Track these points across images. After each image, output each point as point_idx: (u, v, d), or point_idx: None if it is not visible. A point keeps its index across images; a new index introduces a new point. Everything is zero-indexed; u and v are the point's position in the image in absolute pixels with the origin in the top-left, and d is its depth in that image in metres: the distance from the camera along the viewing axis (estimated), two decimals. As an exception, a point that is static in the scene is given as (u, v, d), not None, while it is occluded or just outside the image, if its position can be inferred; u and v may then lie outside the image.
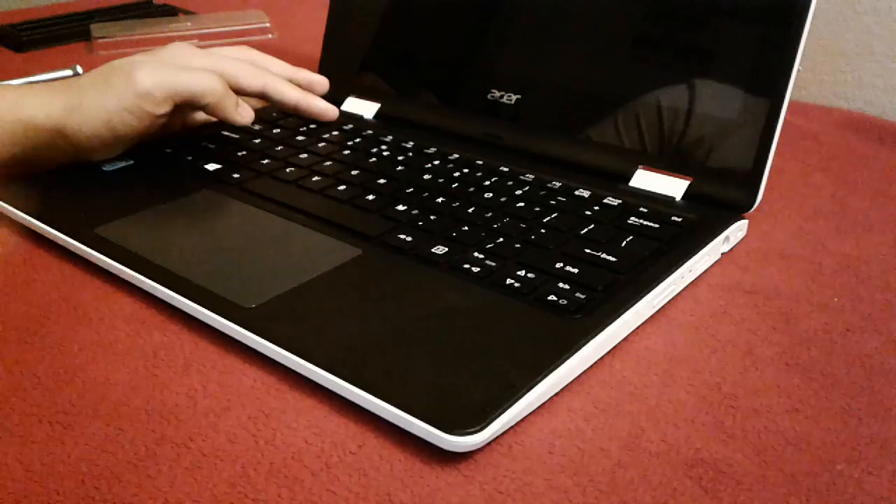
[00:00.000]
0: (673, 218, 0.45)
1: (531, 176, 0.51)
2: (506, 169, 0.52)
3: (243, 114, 0.53)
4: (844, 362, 0.36)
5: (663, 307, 0.40)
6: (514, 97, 0.57)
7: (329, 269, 0.40)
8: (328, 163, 0.53)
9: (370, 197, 0.48)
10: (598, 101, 0.53)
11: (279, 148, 0.56)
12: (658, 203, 0.47)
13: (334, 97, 0.64)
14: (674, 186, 0.49)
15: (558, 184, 0.50)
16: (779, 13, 0.46)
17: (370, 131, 0.59)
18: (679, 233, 0.44)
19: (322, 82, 0.61)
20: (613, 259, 0.41)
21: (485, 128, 0.57)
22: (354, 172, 0.52)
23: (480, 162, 0.53)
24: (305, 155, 0.55)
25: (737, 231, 0.46)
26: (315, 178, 0.51)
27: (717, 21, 0.49)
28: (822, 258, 0.45)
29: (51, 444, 0.31)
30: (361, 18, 0.66)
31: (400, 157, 0.54)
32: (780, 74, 0.46)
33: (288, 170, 0.52)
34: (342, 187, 0.50)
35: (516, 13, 0.57)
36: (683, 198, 0.49)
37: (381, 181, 0.50)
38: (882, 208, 0.51)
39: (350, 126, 0.60)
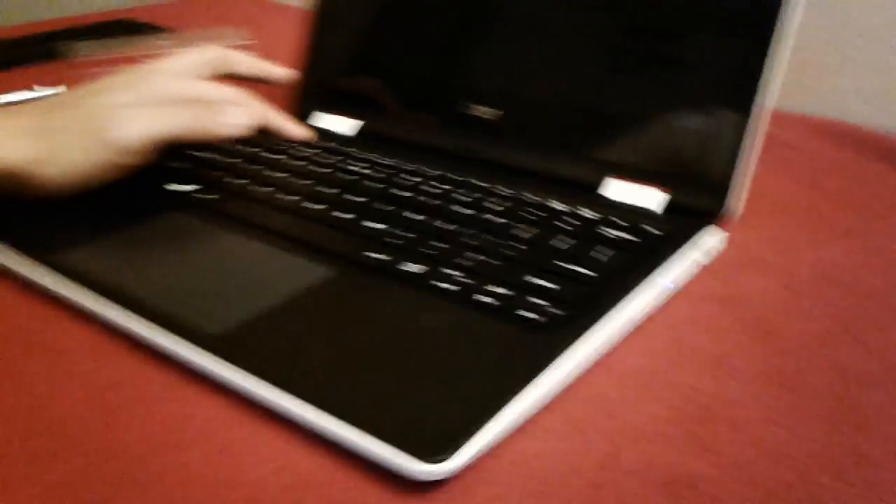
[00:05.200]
0: (648, 229, 0.45)
1: (508, 191, 0.51)
2: (483, 184, 0.52)
3: (228, 123, 0.50)
4: (823, 372, 0.36)
5: (640, 320, 0.39)
6: (490, 111, 0.56)
7: (299, 291, 0.40)
8: (303, 181, 0.53)
9: (344, 215, 0.48)
10: (574, 113, 0.53)
11: (252, 166, 0.56)
12: (634, 215, 0.47)
13: (313, 114, 0.64)
14: (650, 197, 0.49)
15: (534, 198, 0.49)
16: (749, 24, 0.46)
17: (349, 148, 0.59)
18: (654, 245, 0.44)
19: (284, 73, 0.61)
20: (588, 273, 0.40)
21: (462, 143, 0.57)
22: (329, 191, 0.51)
23: (458, 178, 0.53)
24: (279, 173, 0.54)
25: (715, 242, 0.46)
26: (288, 197, 0.50)
27: (691, 33, 0.48)
28: (798, 267, 0.44)
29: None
30: (340, 35, 0.65)
31: (378, 175, 0.54)
32: (750, 84, 0.46)
33: (259, 188, 0.52)
34: (315, 206, 0.49)
35: (492, 27, 0.57)
36: (660, 209, 0.48)
37: (357, 199, 0.50)
38: (860, 217, 0.51)
39: (329, 144, 0.60)
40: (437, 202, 0.49)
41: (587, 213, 0.47)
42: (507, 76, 0.56)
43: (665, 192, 0.49)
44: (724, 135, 0.47)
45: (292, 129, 0.59)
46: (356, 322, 0.38)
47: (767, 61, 0.45)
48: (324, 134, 0.62)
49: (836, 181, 0.55)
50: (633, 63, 0.51)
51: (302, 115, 0.64)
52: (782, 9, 0.45)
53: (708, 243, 0.45)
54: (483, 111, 0.57)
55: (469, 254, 0.43)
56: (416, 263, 0.42)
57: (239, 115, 0.50)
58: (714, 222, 0.47)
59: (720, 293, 0.42)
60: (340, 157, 0.57)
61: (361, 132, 0.62)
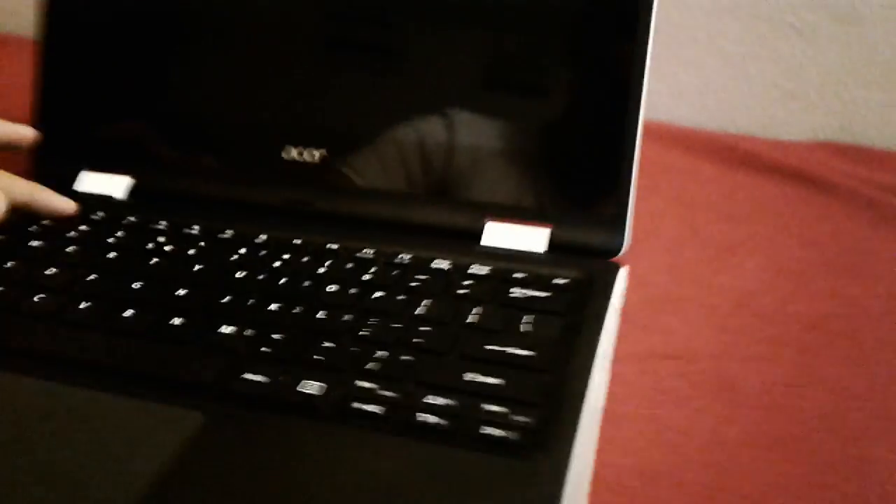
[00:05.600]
0: (556, 280, 0.39)
1: (369, 251, 0.42)
2: (334, 246, 0.42)
3: None
4: (801, 424, 0.32)
5: (604, 403, 0.33)
6: (316, 153, 0.46)
7: (159, 462, 0.28)
8: (92, 276, 0.39)
9: (177, 321, 0.35)
10: (421, 147, 0.45)
11: (8, 264, 0.40)
12: (526, 262, 0.41)
13: (63, 175, 0.49)
14: (533, 238, 0.43)
15: (407, 256, 0.41)
16: (618, 31, 0.42)
17: (131, 217, 0.45)
18: (573, 298, 0.38)
19: (29, 133, 0.46)
20: (528, 353, 0.33)
21: (287, 194, 0.46)
22: (136, 285, 0.38)
23: (298, 241, 0.43)
24: (53, 269, 0.39)
25: (622, 282, 0.41)
26: (82, 305, 0.36)
27: (553, 55, 0.43)
28: (710, 298, 0.41)
29: None
30: (91, 62, 0.50)
31: (190, 252, 0.41)
32: (631, 98, 0.41)
33: (35, 298, 0.37)
34: (129, 313, 0.36)
35: (302, 48, 0.46)
36: (547, 249, 0.42)
37: (181, 292, 0.37)
38: (735, 228, 0.49)
39: (100, 214, 0.46)
40: (298, 280, 0.38)
41: (482, 269, 0.40)
42: (337, 113, 0.46)
43: (551, 228, 0.43)
44: (610, 159, 0.42)
45: (60, 202, 0.44)
46: (257, 492, 0.27)
47: (642, 72, 0.41)
48: (89, 200, 0.47)
49: (692, 187, 0.54)
50: (491, 90, 0.44)
51: (61, 179, 0.48)
52: (643, 19, 0.41)
53: (619, 286, 0.40)
54: (300, 153, 0.46)
55: (376, 352, 0.33)
56: (312, 381, 0.31)
57: None
58: (607, 256, 0.42)
59: (656, 345, 0.37)
60: (129, 230, 0.43)
61: (137, 192, 0.48)
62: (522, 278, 0.39)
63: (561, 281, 0.39)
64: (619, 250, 0.42)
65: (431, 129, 0.45)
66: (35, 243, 0.42)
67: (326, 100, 0.46)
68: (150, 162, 0.49)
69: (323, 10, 0.46)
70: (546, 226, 0.43)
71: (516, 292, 0.38)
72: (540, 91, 0.43)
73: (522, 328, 0.35)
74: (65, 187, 0.48)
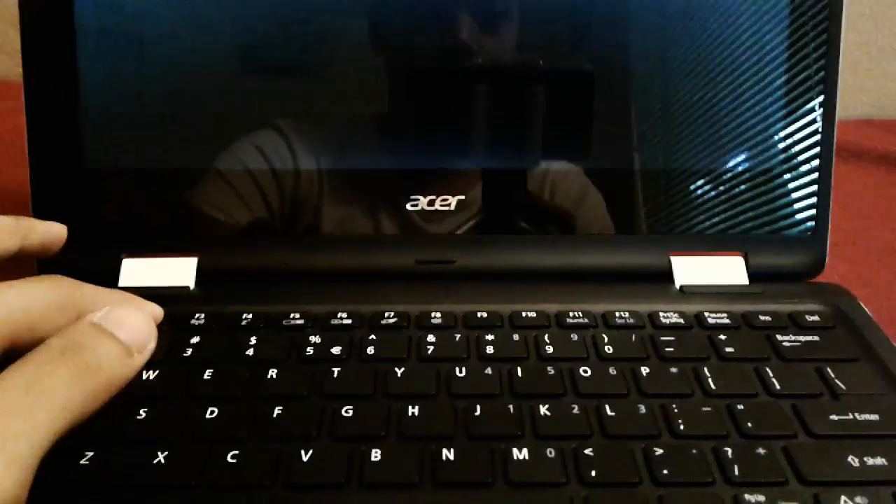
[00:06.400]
0: (810, 318, 0.34)
1: (579, 314, 0.34)
2: (532, 314, 0.34)
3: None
4: None
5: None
6: (451, 199, 0.38)
7: None
8: (278, 409, 0.28)
9: (449, 454, 0.26)
10: (598, 178, 0.38)
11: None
12: (748, 300, 0.36)
13: (101, 266, 0.36)
14: (731, 269, 0.38)
15: (625, 314, 0.34)
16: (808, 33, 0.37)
17: (244, 314, 0.34)
18: (842, 336, 0.33)
19: (60, 231, 0.33)
20: (874, 418, 0.29)
21: (417, 253, 0.38)
22: (348, 411, 0.28)
23: (479, 312, 0.34)
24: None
25: (853, 310, 0.37)
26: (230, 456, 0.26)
27: (739, 71, 0.38)
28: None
29: None
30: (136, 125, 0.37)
31: (333, 350, 0.32)
32: (820, 109, 0.38)
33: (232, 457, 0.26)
34: (376, 455, 0.26)
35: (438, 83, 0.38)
36: (749, 280, 0.38)
37: (413, 411, 0.28)
38: None
39: (200, 317, 0.34)
40: (525, 365, 0.31)
41: (718, 318, 0.34)
42: (473, 153, 0.38)
43: (739, 256, 0.38)
44: (806, 173, 0.38)
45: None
46: None
47: (835, 81, 0.38)
48: (151, 296, 0.35)
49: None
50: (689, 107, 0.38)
51: (105, 270, 0.36)
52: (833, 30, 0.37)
53: (860, 316, 0.36)
54: (444, 202, 0.38)
55: (721, 447, 0.27)
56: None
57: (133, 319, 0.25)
58: (808, 277, 0.39)
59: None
60: (256, 336, 0.33)
61: (204, 273, 0.37)
62: (774, 322, 0.34)
63: (815, 318, 0.34)
64: (820, 270, 0.38)
65: (581, 156, 0.38)
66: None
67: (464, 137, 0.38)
68: (217, 234, 0.38)
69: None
70: (736, 254, 0.38)
71: (785, 341, 0.33)
72: (727, 108, 0.38)
73: (835, 386, 0.30)
74: (109, 282, 0.35)
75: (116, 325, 0.25)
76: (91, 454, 0.26)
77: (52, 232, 0.32)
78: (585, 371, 0.31)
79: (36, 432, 0.20)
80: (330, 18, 0.36)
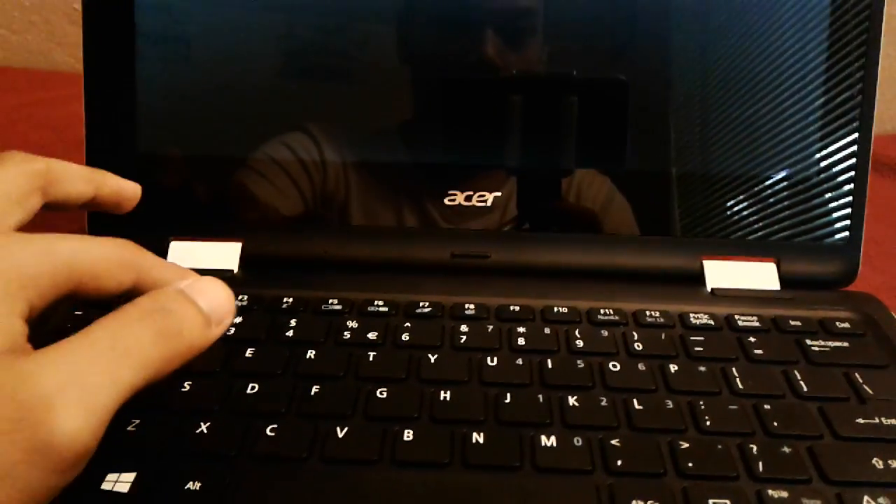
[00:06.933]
0: (840, 324, 0.35)
1: (610, 311, 0.35)
2: (563, 310, 0.35)
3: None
4: None
5: None
6: (488, 196, 0.39)
7: None
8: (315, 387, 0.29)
9: (479, 437, 0.27)
10: (635, 181, 0.39)
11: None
12: (779, 304, 0.36)
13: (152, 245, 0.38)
14: (763, 274, 0.38)
15: (656, 313, 0.35)
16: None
17: (284, 297, 0.35)
18: (872, 343, 0.34)
19: (134, 189, 0.34)
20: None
21: (453, 247, 0.39)
22: (381, 393, 0.29)
23: (509, 305, 0.35)
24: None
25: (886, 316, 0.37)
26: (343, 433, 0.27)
27: (778, 75, 0.38)
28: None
29: None
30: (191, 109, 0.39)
31: (369, 335, 0.33)
32: (856, 114, 0.38)
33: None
34: (408, 436, 0.27)
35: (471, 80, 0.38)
36: (781, 286, 0.38)
37: (445, 395, 0.29)
38: None
39: (237, 297, 0.35)
40: (555, 356, 0.31)
41: (748, 321, 0.35)
42: (511, 147, 0.39)
43: (771, 262, 0.38)
44: (840, 179, 0.38)
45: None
46: None
47: (874, 88, 0.38)
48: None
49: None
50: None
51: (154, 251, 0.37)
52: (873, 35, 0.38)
53: (890, 324, 0.36)
54: (481, 197, 0.39)
55: (746, 444, 0.27)
56: (717, 500, 0.25)
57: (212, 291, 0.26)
58: (840, 286, 0.39)
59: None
60: (294, 318, 0.34)
61: (247, 259, 0.38)
62: (804, 327, 0.34)
63: (845, 325, 0.34)
64: (852, 279, 0.39)
65: (619, 158, 0.39)
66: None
67: (500, 134, 0.39)
68: (262, 221, 0.39)
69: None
70: (769, 260, 0.39)
71: (814, 346, 0.33)
72: (765, 116, 0.38)
73: (862, 391, 0.30)
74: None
75: (200, 294, 0.25)
76: (137, 421, 0.27)
77: (126, 187, 0.32)
78: (615, 366, 0.31)
79: (115, 386, 0.21)
80: (367, 26, 0.37)
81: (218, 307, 0.26)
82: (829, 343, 0.33)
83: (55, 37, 0.78)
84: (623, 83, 0.37)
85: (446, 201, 0.39)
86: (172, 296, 0.24)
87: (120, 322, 0.23)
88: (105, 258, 0.25)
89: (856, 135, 0.37)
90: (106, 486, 0.25)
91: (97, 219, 0.38)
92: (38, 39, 0.78)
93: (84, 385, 0.20)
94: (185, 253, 0.38)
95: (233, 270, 0.38)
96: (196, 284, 0.26)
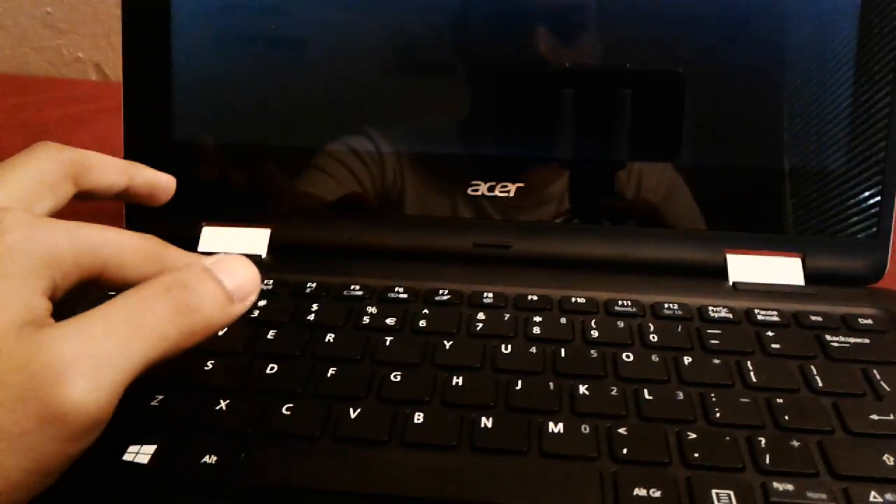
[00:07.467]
0: (863, 321, 0.34)
1: (628, 303, 0.35)
2: (581, 300, 0.35)
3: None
4: None
5: None
6: (511, 186, 0.39)
7: None
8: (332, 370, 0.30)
9: (487, 422, 0.28)
10: (635, 173, 0.39)
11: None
12: (803, 300, 0.36)
13: (182, 233, 0.39)
14: (787, 269, 0.38)
15: (674, 305, 0.35)
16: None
17: (307, 282, 0.36)
18: (892, 342, 0.33)
19: (168, 181, 0.35)
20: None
21: (476, 237, 0.39)
22: (396, 376, 0.30)
23: (528, 295, 0.36)
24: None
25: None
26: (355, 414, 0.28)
27: (808, 69, 0.38)
28: None
29: None
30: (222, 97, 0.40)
31: (387, 321, 0.33)
32: (885, 105, 0.37)
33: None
34: (418, 418, 0.28)
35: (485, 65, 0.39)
36: (805, 282, 0.38)
37: (457, 381, 0.30)
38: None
39: (263, 281, 0.36)
40: (567, 344, 0.32)
41: (767, 315, 0.35)
42: (532, 138, 0.39)
43: (797, 257, 0.38)
44: (870, 173, 0.38)
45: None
46: None
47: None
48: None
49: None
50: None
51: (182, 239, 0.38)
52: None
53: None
54: (504, 188, 0.39)
55: (755, 437, 0.27)
56: (719, 489, 0.25)
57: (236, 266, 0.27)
58: (868, 283, 0.38)
59: None
60: (319, 303, 0.35)
61: (275, 245, 0.39)
62: (824, 322, 0.34)
63: (868, 321, 0.34)
64: (881, 275, 0.38)
65: (646, 150, 0.39)
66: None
67: (516, 125, 0.39)
68: (290, 209, 0.40)
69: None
70: (794, 254, 0.38)
71: (833, 341, 0.33)
72: (792, 108, 0.38)
73: (879, 387, 0.30)
74: (189, 246, 0.38)
75: (224, 272, 0.26)
76: (161, 397, 0.29)
77: (160, 179, 0.33)
78: (628, 356, 0.31)
79: (127, 360, 0.22)
80: (417, 22, 0.38)
81: (242, 285, 0.26)
82: (850, 339, 0.33)
83: (28, 41, 0.78)
84: (679, 75, 0.37)
85: (470, 191, 0.39)
86: (195, 272, 0.25)
87: (139, 297, 0.23)
88: (130, 248, 0.26)
89: (886, 127, 0.37)
90: (128, 457, 0.26)
91: (134, 206, 0.39)
92: (11, 44, 0.78)
93: (96, 357, 0.21)
94: (217, 237, 0.39)
95: (261, 255, 0.39)
96: (221, 262, 0.26)
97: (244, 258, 0.27)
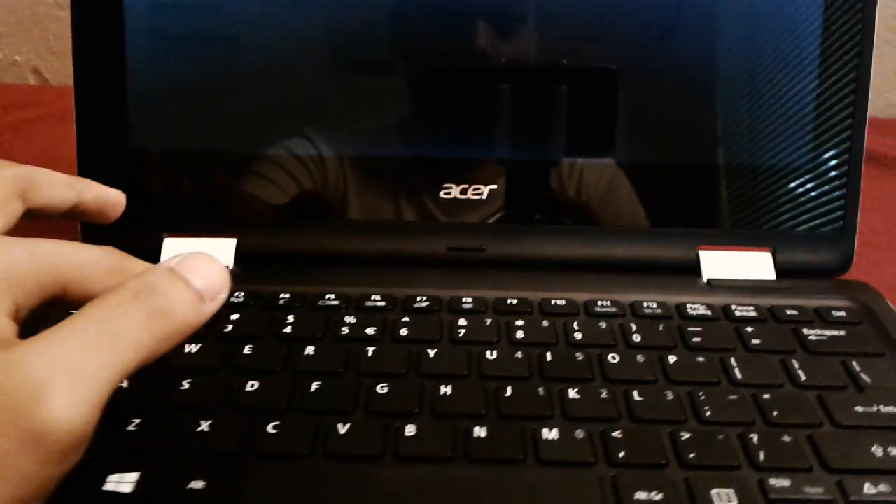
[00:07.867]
0: (836, 313, 0.35)
1: (608, 303, 0.35)
2: (561, 302, 0.35)
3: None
4: None
5: None
6: (484, 189, 0.39)
7: None
8: (316, 385, 0.29)
9: (481, 431, 0.27)
10: (608, 174, 0.39)
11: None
12: (777, 294, 0.36)
13: (143, 244, 0.37)
14: (758, 264, 0.39)
15: (654, 304, 0.35)
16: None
17: (279, 293, 0.35)
18: (868, 331, 0.34)
19: (118, 196, 0.33)
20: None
21: (449, 241, 0.39)
22: (382, 389, 0.29)
23: (514, 300, 0.35)
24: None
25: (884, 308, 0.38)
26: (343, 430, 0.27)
27: (772, 60, 0.38)
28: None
29: None
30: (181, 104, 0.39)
31: (367, 330, 0.33)
32: (851, 101, 0.38)
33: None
34: (411, 430, 0.27)
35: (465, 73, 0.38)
36: (777, 276, 0.38)
37: (445, 390, 0.29)
38: None
39: (233, 294, 0.35)
40: (552, 349, 0.32)
41: (744, 311, 0.35)
42: (508, 142, 0.39)
43: (767, 252, 0.39)
44: (834, 167, 0.38)
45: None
46: None
47: (868, 74, 0.38)
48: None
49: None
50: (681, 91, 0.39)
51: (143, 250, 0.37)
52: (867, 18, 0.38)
53: (886, 313, 0.36)
54: (476, 190, 0.39)
55: (747, 434, 0.28)
56: (720, 488, 0.25)
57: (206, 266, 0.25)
58: (835, 275, 0.39)
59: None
60: (293, 314, 0.34)
61: (241, 254, 0.38)
62: (800, 316, 0.35)
63: (841, 314, 0.35)
64: (847, 267, 0.39)
65: (611, 149, 0.39)
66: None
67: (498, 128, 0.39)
68: (255, 216, 0.39)
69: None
70: (764, 249, 0.39)
71: (811, 335, 0.33)
72: (758, 104, 0.38)
73: (860, 379, 0.31)
74: (150, 260, 0.36)
75: (191, 271, 0.24)
76: (138, 420, 0.27)
77: (109, 194, 0.31)
78: (614, 357, 0.31)
79: (105, 371, 0.21)
80: (359, 19, 0.37)
81: (211, 283, 0.24)
82: (826, 332, 0.33)
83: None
84: (612, 71, 0.37)
85: (442, 195, 0.39)
86: (161, 274, 0.24)
87: (108, 305, 0.22)
88: (92, 262, 0.24)
89: (849, 122, 0.38)
90: (109, 486, 0.24)
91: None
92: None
93: (74, 371, 0.20)
94: (180, 250, 0.38)
95: (228, 267, 0.37)
96: (186, 262, 0.24)
97: (209, 255, 0.25)
